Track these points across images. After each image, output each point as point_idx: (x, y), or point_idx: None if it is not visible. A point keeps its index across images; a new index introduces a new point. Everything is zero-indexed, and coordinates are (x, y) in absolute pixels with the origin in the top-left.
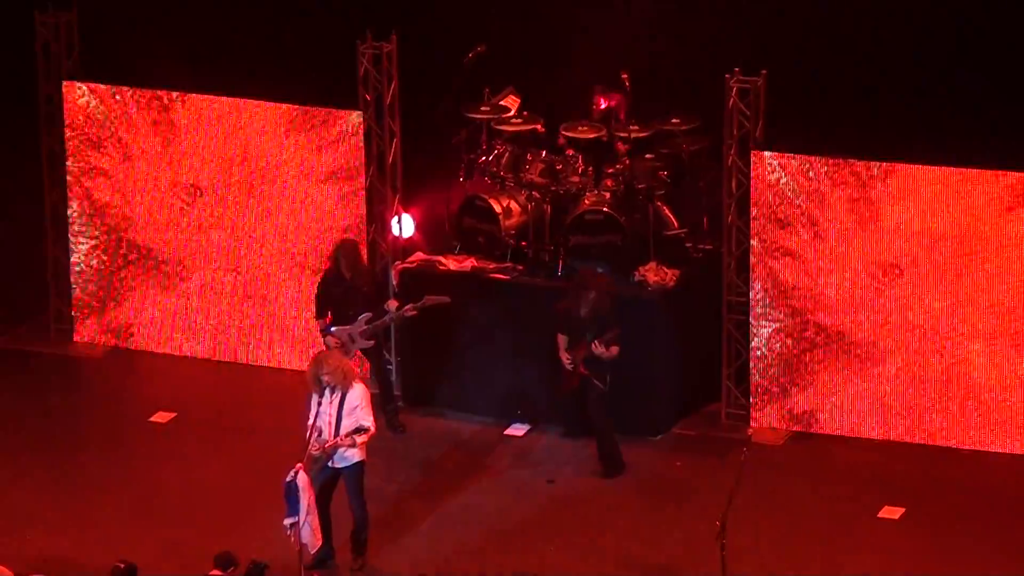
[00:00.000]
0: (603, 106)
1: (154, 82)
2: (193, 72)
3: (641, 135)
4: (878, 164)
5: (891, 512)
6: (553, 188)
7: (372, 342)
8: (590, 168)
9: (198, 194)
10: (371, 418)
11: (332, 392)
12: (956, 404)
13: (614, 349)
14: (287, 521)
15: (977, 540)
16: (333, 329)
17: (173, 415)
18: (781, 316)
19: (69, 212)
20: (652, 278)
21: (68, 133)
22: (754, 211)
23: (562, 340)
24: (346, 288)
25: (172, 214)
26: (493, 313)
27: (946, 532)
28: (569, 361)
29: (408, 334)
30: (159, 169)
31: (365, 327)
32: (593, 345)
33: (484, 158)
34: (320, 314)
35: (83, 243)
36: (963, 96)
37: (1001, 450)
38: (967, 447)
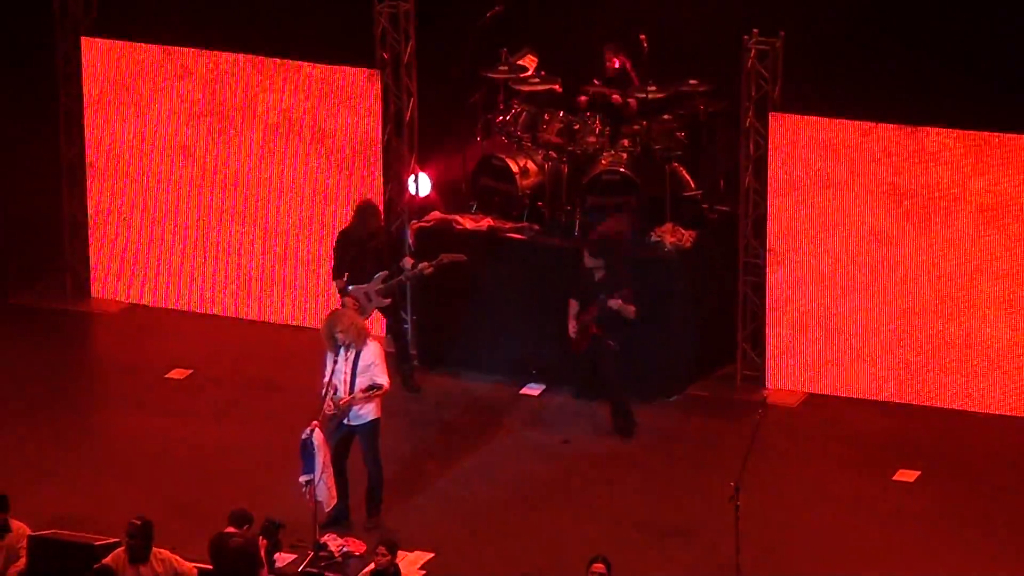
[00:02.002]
0: (617, 65)
1: (170, 39)
2: (208, 30)
3: (659, 96)
4: (898, 126)
5: (906, 475)
6: (570, 148)
7: (388, 300)
8: (607, 128)
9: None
10: (386, 376)
11: (347, 350)
12: (973, 367)
13: (631, 308)
14: (302, 479)
15: (993, 503)
16: (350, 288)
17: (189, 372)
18: (797, 278)
19: (86, 169)
20: (669, 239)
21: (85, 90)
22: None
23: (573, 305)
24: (362, 247)
25: (187, 170)
26: (509, 273)
27: (962, 495)
28: (575, 328)
29: (424, 293)
30: (175, 126)
31: (381, 285)
32: (611, 301)
33: (501, 118)
34: (337, 273)
35: (100, 200)
36: (986, 59)
37: (1017, 414)
38: (983, 410)
